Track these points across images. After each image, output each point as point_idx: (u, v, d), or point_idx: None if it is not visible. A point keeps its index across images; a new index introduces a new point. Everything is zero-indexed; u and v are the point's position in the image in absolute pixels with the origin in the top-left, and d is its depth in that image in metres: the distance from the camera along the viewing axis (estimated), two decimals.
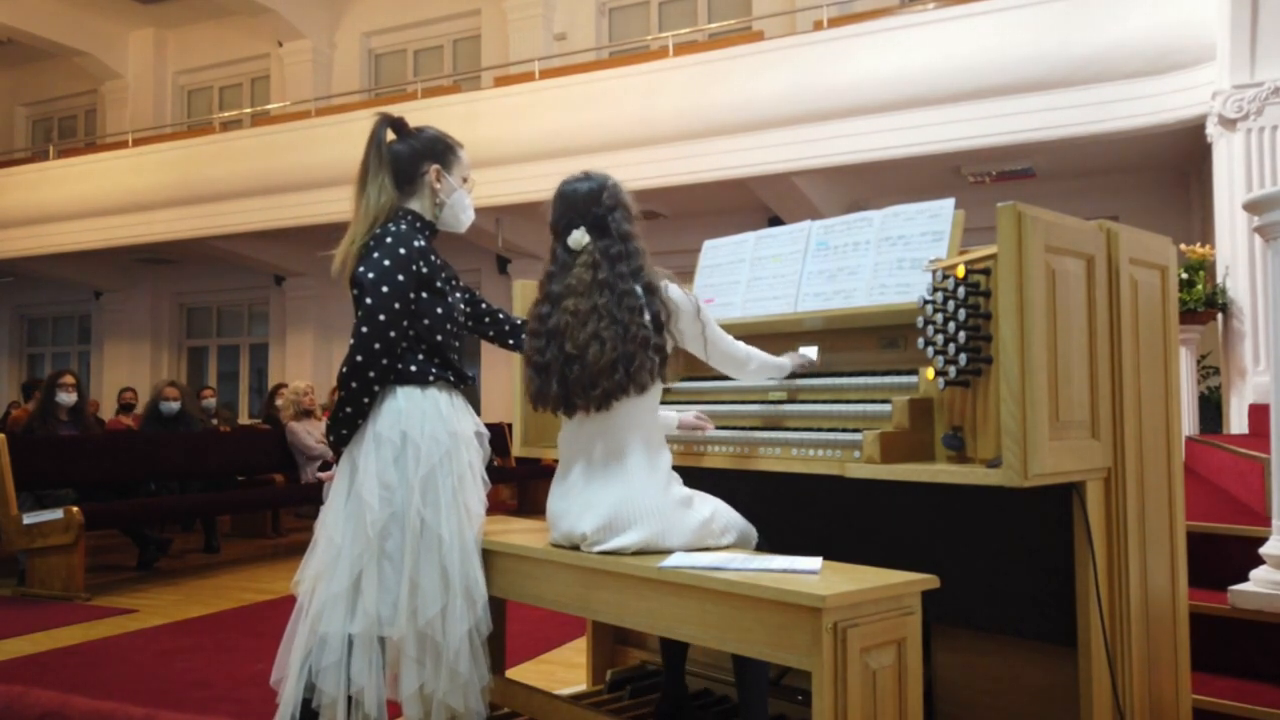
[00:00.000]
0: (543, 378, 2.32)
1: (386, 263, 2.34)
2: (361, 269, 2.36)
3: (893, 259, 2.57)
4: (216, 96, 13.73)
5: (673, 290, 2.32)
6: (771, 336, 2.75)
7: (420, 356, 2.41)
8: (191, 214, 10.78)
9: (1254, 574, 2.74)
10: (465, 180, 2.60)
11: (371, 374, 2.32)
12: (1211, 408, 6.87)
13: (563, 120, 8.91)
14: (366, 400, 2.35)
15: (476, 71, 11.43)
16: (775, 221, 9.09)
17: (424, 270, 2.39)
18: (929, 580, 1.95)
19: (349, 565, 2.29)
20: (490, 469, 9.47)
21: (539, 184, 8.99)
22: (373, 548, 2.28)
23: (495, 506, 10.40)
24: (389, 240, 2.38)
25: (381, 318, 2.31)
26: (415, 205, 2.50)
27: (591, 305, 2.25)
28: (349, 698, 2.25)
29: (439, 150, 2.54)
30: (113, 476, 6.44)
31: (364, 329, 2.31)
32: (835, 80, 7.81)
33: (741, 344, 2.50)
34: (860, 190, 9.34)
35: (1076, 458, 2.03)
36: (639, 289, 2.26)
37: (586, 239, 2.32)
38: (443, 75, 11.82)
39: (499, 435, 9.99)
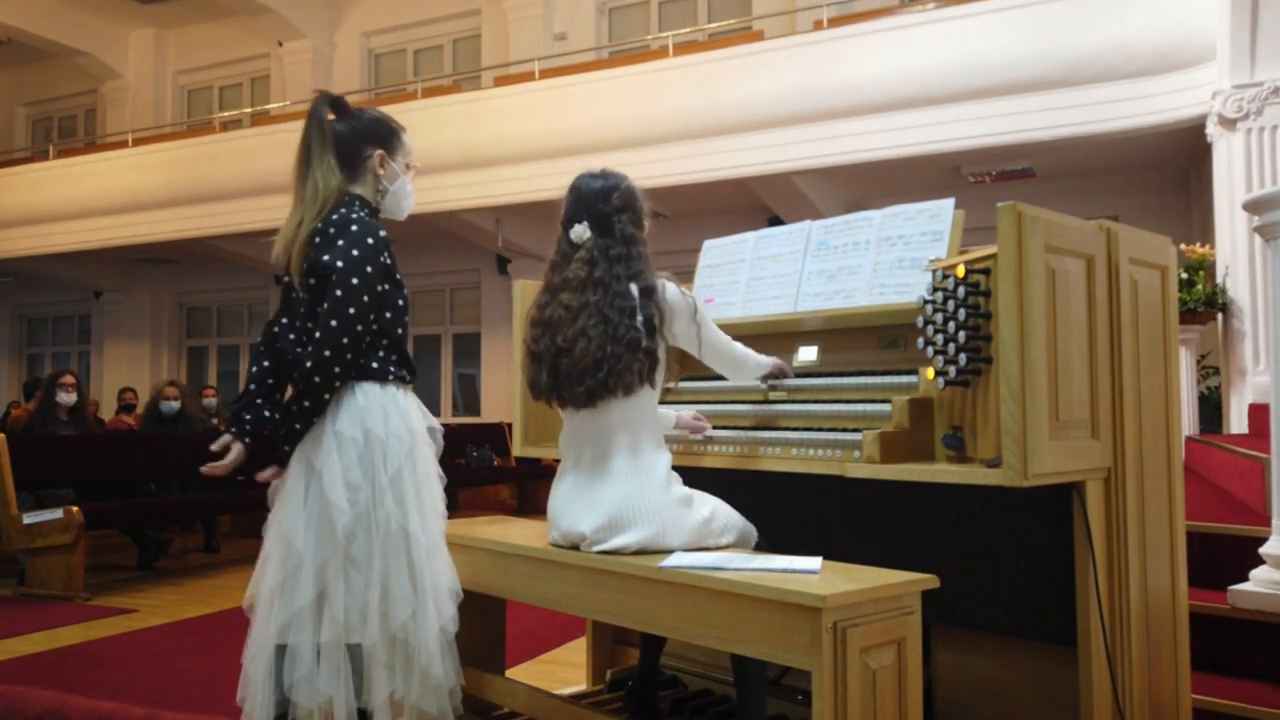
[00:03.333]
0: (537, 367, 2.34)
1: (355, 253, 2.24)
2: (327, 258, 2.24)
3: (892, 259, 2.57)
4: (216, 96, 13.74)
5: (670, 291, 2.32)
6: (771, 336, 2.75)
7: (380, 352, 2.32)
8: (191, 214, 10.79)
9: (1254, 574, 2.74)
10: (408, 166, 2.49)
11: (336, 370, 2.21)
12: (1211, 408, 6.86)
13: (563, 120, 8.91)
14: (327, 397, 2.24)
15: (476, 71, 11.43)
16: (775, 221, 9.09)
17: (387, 262, 2.30)
18: (929, 580, 1.95)
19: (314, 573, 2.19)
20: (490, 469, 9.55)
21: (539, 184, 9.05)
22: (340, 552, 2.19)
23: (495, 506, 10.41)
24: (355, 229, 2.27)
25: (351, 311, 2.21)
26: (359, 190, 2.40)
27: (584, 301, 2.25)
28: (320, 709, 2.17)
29: (383, 134, 2.43)
30: (113, 476, 6.44)
31: (333, 323, 2.20)
32: (835, 80, 7.81)
33: (738, 344, 2.50)
34: (860, 190, 9.34)
35: (1076, 458, 2.03)
36: (634, 290, 2.26)
37: (588, 234, 2.32)
38: (443, 75, 11.82)
39: (499, 435, 9.99)
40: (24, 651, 4.15)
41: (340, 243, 2.25)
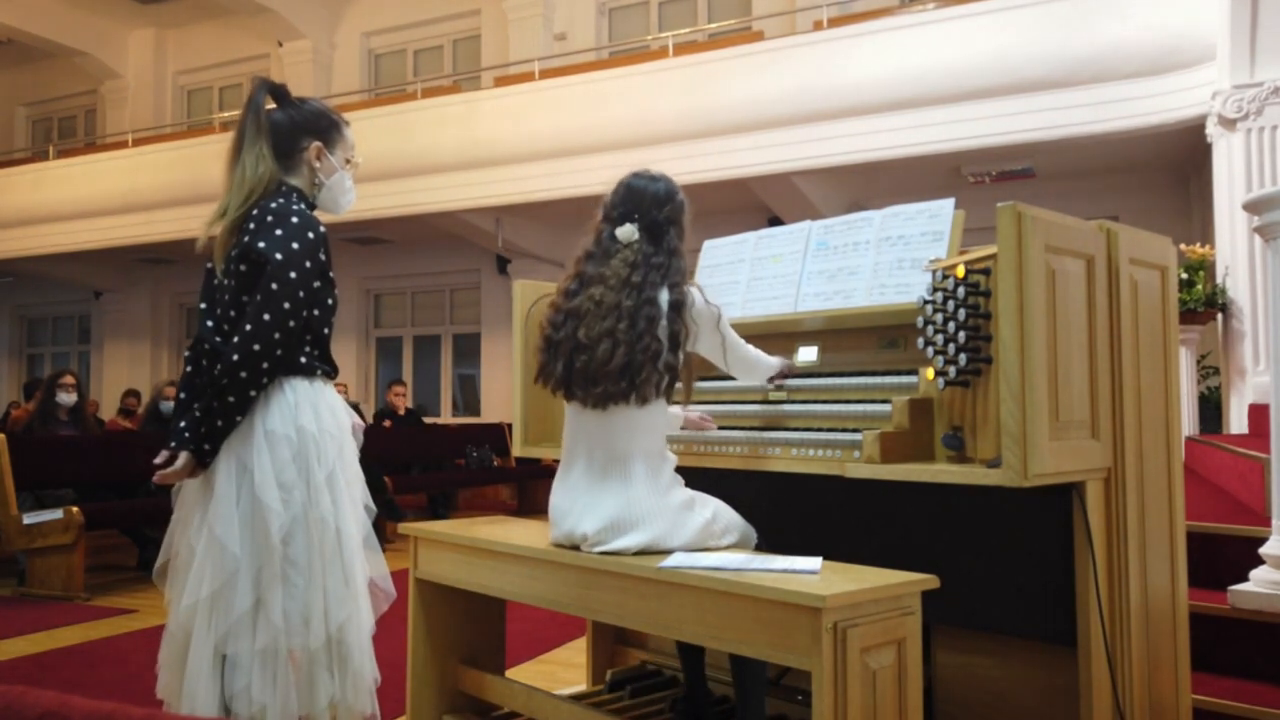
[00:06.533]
0: (550, 354, 2.30)
1: (295, 245, 2.16)
2: (264, 246, 2.15)
3: (893, 259, 2.57)
4: (216, 96, 13.73)
5: (698, 304, 2.29)
6: (772, 336, 2.75)
7: (306, 347, 2.24)
8: (191, 214, 10.76)
9: (1254, 574, 2.74)
10: (349, 161, 2.41)
11: (266, 365, 2.12)
12: (1211, 408, 6.87)
13: (563, 120, 8.91)
14: (254, 394, 2.14)
15: (476, 71, 11.43)
16: (775, 221, 9.09)
17: (322, 257, 2.23)
18: (929, 580, 1.95)
19: (252, 578, 2.12)
20: (490, 469, 9.53)
21: (539, 184, 9.06)
22: (275, 556, 2.12)
23: (495, 506, 10.37)
24: (295, 220, 2.19)
25: (286, 305, 2.13)
26: (295, 182, 2.32)
27: (616, 301, 2.21)
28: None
29: (322, 126, 2.35)
30: (113, 476, 6.44)
31: (265, 316, 2.11)
32: (835, 80, 7.81)
33: (751, 346, 2.50)
34: (860, 190, 9.34)
35: (1076, 458, 2.03)
36: (664, 300, 2.22)
37: (636, 238, 2.29)
38: (443, 75, 11.82)
39: (499, 435, 9.99)
40: (24, 652, 4.15)
41: (278, 232, 2.17)
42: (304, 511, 2.16)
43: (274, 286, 2.13)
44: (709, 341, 2.34)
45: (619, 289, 2.23)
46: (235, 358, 2.11)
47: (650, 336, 2.18)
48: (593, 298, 2.25)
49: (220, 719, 2.10)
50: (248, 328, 2.11)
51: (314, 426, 2.19)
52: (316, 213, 2.35)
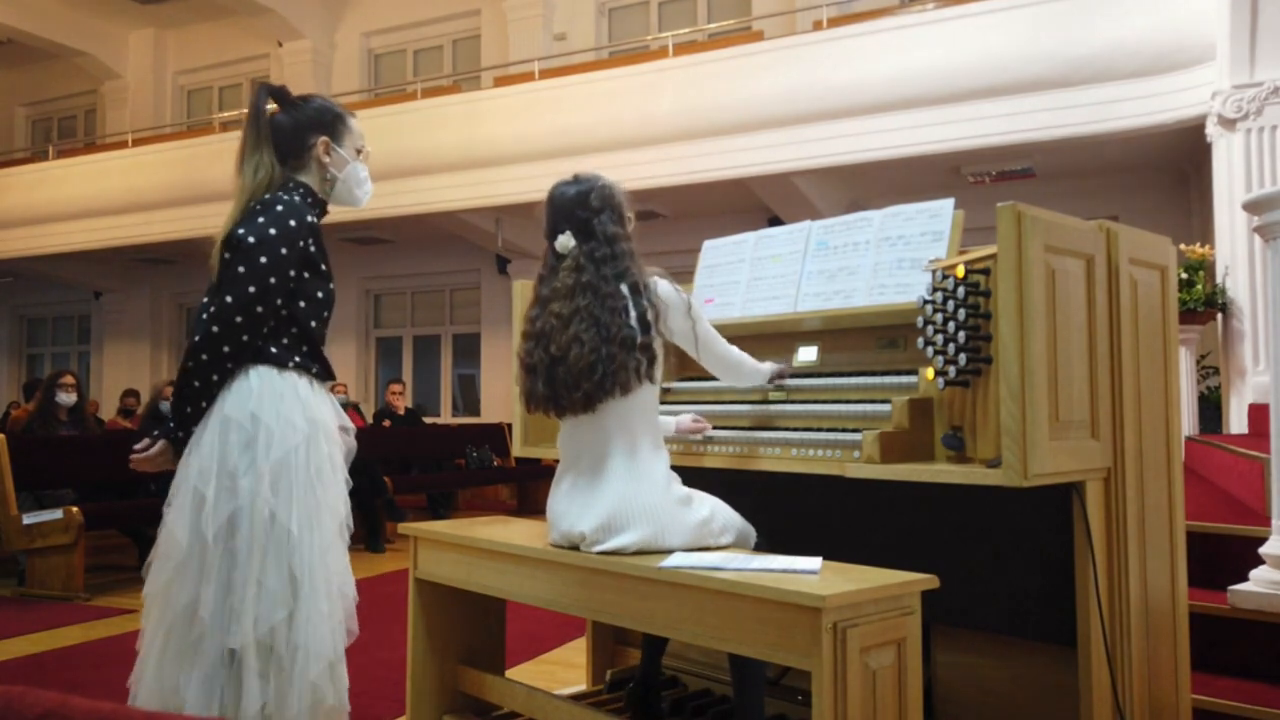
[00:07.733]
0: (531, 379, 2.33)
1: (272, 231, 2.13)
2: (241, 231, 2.13)
3: (892, 259, 2.57)
4: (216, 96, 13.74)
5: (662, 287, 2.32)
6: (771, 336, 2.75)
7: (285, 340, 2.19)
8: (191, 214, 10.78)
9: (1254, 574, 2.74)
10: (359, 151, 2.38)
11: (226, 349, 2.08)
12: (1211, 408, 6.86)
13: (563, 120, 8.92)
14: (215, 378, 2.10)
15: (476, 71, 11.43)
16: (775, 221, 9.09)
17: (311, 249, 2.20)
18: (929, 580, 1.95)
19: (195, 570, 2.07)
20: (490, 469, 9.51)
21: (539, 184, 8.93)
22: (207, 548, 2.05)
23: (495, 506, 10.36)
24: (279, 208, 2.17)
25: (252, 289, 2.08)
26: (306, 179, 2.31)
27: (574, 308, 2.24)
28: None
29: (327, 120, 2.32)
30: (113, 476, 6.43)
31: (228, 298, 2.08)
32: (835, 80, 7.82)
33: (733, 347, 2.51)
34: (860, 190, 9.34)
35: (1076, 458, 2.04)
36: (624, 289, 2.25)
37: (573, 243, 2.32)
38: (443, 75, 11.82)
39: (499, 435, 9.99)
40: (24, 652, 4.15)
41: (260, 219, 2.15)
42: (250, 502, 2.08)
43: (240, 269, 2.10)
44: (680, 327, 2.35)
45: (571, 295, 2.26)
46: (196, 339, 2.10)
47: (618, 325, 2.21)
48: (553, 313, 2.28)
49: (218, 718, 2.09)
50: (211, 309, 2.10)
51: (270, 415, 2.11)
52: (337, 208, 2.35)
